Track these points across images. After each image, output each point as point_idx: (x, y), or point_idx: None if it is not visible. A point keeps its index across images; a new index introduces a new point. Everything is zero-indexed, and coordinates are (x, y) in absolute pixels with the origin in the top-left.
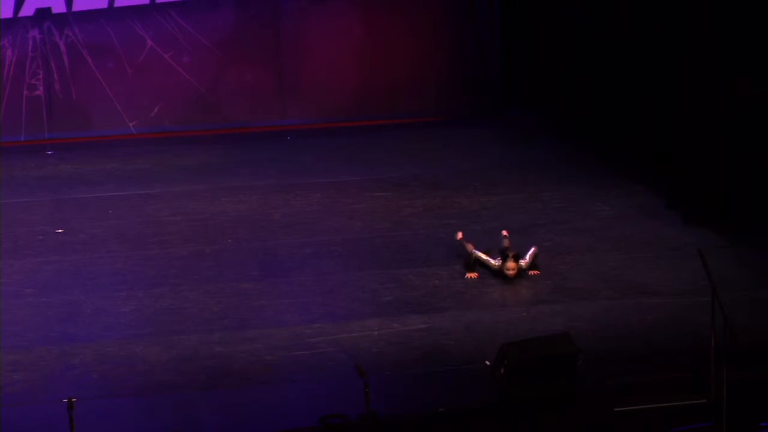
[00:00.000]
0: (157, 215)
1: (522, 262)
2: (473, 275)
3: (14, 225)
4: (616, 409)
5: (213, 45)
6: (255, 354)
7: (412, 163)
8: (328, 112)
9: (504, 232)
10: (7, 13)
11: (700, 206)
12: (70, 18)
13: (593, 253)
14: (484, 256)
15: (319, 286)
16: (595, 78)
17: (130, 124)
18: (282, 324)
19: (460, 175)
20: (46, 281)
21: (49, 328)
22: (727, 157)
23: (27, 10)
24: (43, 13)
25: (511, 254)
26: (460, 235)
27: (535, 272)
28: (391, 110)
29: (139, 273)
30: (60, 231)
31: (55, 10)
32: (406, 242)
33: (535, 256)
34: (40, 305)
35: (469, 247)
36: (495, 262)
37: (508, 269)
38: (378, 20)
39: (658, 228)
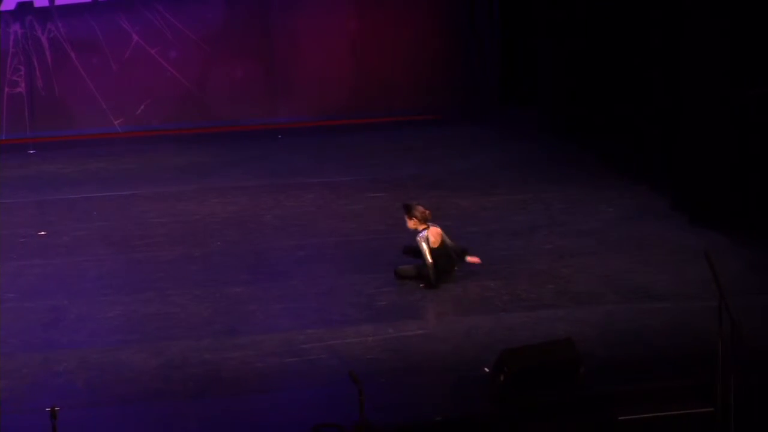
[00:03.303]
0: (144, 217)
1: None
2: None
3: None
4: (619, 418)
5: (201, 40)
6: (246, 361)
7: (409, 162)
8: (321, 109)
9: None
10: None
11: (706, 207)
12: (53, 12)
13: (596, 255)
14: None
15: (312, 290)
16: (597, 76)
17: (116, 122)
18: (274, 330)
19: (458, 175)
20: (29, 286)
21: (32, 335)
22: (733, 157)
23: (8, 4)
24: (24, 7)
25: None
26: None
27: (474, 259)
28: (387, 108)
29: (125, 277)
30: (42, 233)
31: (36, 4)
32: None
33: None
34: (23, 310)
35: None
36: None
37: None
38: (373, 15)
39: (663, 229)
